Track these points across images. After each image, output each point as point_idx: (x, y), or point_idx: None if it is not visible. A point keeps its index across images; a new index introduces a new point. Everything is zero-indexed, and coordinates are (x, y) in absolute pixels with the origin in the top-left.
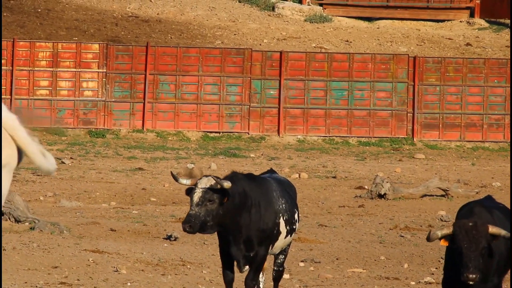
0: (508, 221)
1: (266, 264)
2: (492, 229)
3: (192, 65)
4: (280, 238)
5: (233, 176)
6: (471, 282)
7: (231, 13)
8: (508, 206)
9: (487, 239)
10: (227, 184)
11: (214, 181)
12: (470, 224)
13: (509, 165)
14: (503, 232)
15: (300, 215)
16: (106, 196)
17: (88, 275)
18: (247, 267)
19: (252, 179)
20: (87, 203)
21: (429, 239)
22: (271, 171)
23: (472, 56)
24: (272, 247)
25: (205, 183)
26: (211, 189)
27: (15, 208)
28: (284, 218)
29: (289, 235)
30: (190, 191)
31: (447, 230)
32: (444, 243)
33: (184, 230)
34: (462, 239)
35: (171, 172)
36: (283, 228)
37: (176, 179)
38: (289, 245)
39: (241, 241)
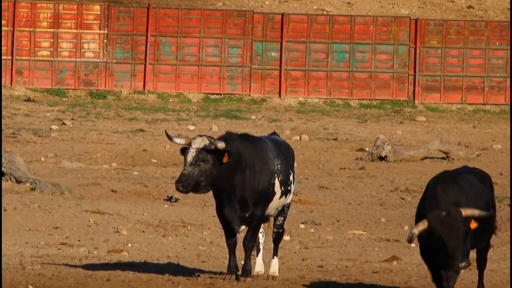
0: (483, 184)
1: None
2: (466, 212)
3: (193, 27)
4: (274, 198)
5: (227, 137)
6: (463, 270)
7: None
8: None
9: (464, 224)
10: (221, 145)
11: (208, 141)
12: (444, 214)
13: (510, 127)
14: (476, 212)
15: (300, 177)
16: (107, 157)
17: (88, 235)
18: (243, 227)
19: (246, 139)
20: (88, 164)
21: (410, 240)
22: (274, 133)
23: (473, 18)
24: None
25: (199, 142)
26: (205, 149)
27: (16, 168)
28: (279, 179)
29: (284, 196)
30: (184, 151)
31: (422, 226)
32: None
33: (177, 189)
34: (440, 230)
35: (165, 131)
36: (277, 188)
37: (170, 138)
38: (288, 206)
39: (235, 201)
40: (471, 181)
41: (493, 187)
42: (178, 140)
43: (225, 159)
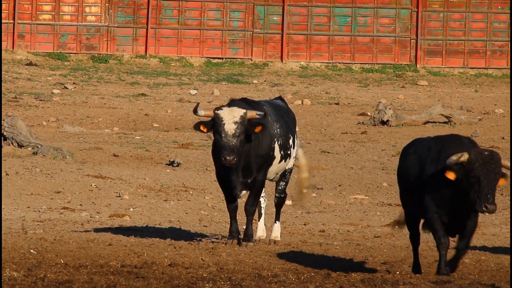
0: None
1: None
2: (504, 162)
3: None
4: (274, 163)
5: (233, 103)
6: (488, 213)
7: None
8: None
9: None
10: (267, 115)
11: (243, 111)
12: (487, 153)
13: None
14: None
15: (302, 141)
16: (108, 122)
17: (90, 200)
18: (244, 192)
19: (248, 103)
20: (90, 129)
21: (449, 167)
22: (279, 98)
23: None
24: None
25: (235, 114)
26: (243, 119)
27: (18, 133)
28: (279, 143)
29: (283, 161)
30: (205, 124)
31: (463, 158)
32: (451, 176)
33: (228, 162)
34: (481, 169)
35: (197, 106)
36: (277, 153)
37: (195, 111)
38: (290, 171)
39: (240, 168)
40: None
41: None
42: (201, 112)
43: (257, 129)
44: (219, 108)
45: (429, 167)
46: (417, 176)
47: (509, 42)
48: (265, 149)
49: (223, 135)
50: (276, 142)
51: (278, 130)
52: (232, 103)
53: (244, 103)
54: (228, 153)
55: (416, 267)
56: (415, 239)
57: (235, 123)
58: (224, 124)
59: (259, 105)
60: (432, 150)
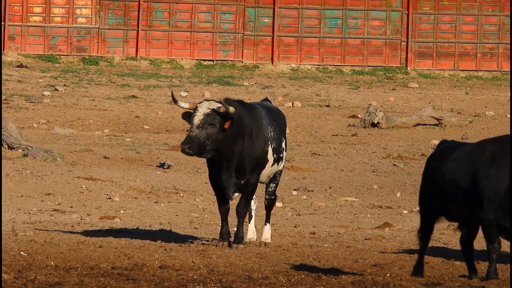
0: None
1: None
2: None
3: None
4: (267, 166)
5: (228, 102)
6: None
7: None
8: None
9: None
10: (232, 109)
11: (217, 105)
12: None
13: (502, 94)
14: None
15: (293, 143)
16: (99, 124)
17: (81, 202)
18: (236, 194)
19: (244, 105)
20: (80, 130)
21: None
22: (266, 100)
23: None
24: None
25: (206, 106)
26: (213, 112)
27: (8, 135)
28: (272, 146)
29: (276, 164)
30: (189, 115)
31: None
32: None
33: (183, 151)
34: None
35: (172, 94)
36: (270, 156)
37: (175, 101)
38: (280, 173)
39: (233, 169)
40: None
41: None
42: (183, 104)
43: (227, 125)
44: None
45: (487, 171)
46: (468, 180)
47: (501, 44)
48: (259, 152)
49: (190, 125)
50: (270, 146)
51: (272, 133)
52: (227, 101)
53: (239, 103)
54: (186, 142)
55: (419, 269)
56: (427, 237)
57: (203, 114)
58: (194, 115)
59: (255, 108)
60: (486, 153)
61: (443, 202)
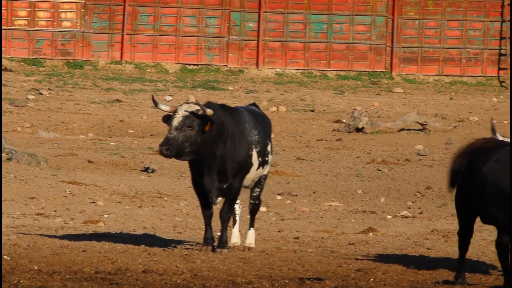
0: None
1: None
2: None
3: None
4: (251, 170)
5: (209, 106)
6: None
7: None
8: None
9: None
10: (209, 111)
11: (196, 108)
12: None
13: (486, 99)
14: None
15: (277, 148)
16: (83, 128)
17: (65, 206)
18: (219, 198)
19: (226, 109)
20: (65, 134)
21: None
22: (253, 104)
23: None
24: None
25: (186, 108)
26: (192, 114)
27: None
28: (257, 150)
29: (261, 167)
30: (168, 117)
31: None
32: None
33: (161, 152)
34: None
35: (152, 96)
36: (255, 160)
37: (156, 104)
38: (265, 178)
39: (215, 172)
40: None
41: None
42: (163, 107)
43: (207, 128)
44: (183, 104)
45: None
46: None
47: (485, 50)
48: (242, 156)
49: (169, 127)
50: (254, 149)
51: (256, 137)
52: (209, 105)
53: (221, 107)
54: (163, 143)
55: (461, 273)
56: (467, 240)
57: (182, 116)
58: (173, 117)
59: (238, 111)
60: None
61: (483, 205)
